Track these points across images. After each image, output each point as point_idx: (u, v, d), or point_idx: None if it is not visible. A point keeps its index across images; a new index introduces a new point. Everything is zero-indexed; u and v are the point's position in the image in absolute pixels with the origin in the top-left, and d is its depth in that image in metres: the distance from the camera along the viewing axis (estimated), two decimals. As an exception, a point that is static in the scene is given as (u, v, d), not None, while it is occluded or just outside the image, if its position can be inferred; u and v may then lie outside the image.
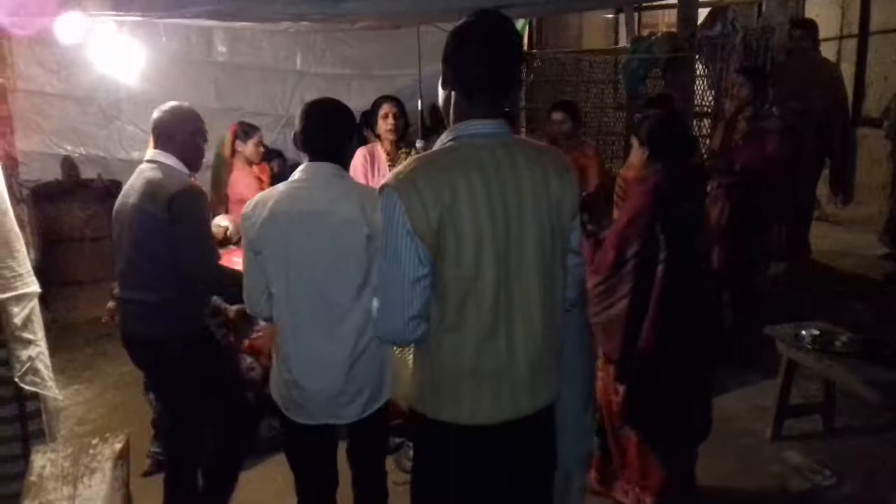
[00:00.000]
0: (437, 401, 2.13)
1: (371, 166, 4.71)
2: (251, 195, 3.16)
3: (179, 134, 3.24)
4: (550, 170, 2.08)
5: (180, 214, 3.05)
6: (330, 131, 2.74)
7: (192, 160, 3.32)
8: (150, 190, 3.11)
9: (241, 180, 5.17)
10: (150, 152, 3.28)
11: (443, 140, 2.08)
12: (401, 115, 4.74)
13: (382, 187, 2.00)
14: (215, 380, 3.35)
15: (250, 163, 5.34)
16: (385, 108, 4.71)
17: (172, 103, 3.31)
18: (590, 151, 5.22)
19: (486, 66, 2.02)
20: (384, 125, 4.71)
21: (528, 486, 2.29)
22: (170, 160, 3.21)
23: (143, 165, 3.24)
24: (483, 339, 2.04)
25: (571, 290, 2.28)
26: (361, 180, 4.65)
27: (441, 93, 2.13)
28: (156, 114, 3.27)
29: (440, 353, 2.09)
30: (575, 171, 2.19)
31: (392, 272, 2.00)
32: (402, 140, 4.81)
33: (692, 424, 3.29)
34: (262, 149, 5.37)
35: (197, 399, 3.33)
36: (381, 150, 4.77)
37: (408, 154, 4.74)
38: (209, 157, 4.69)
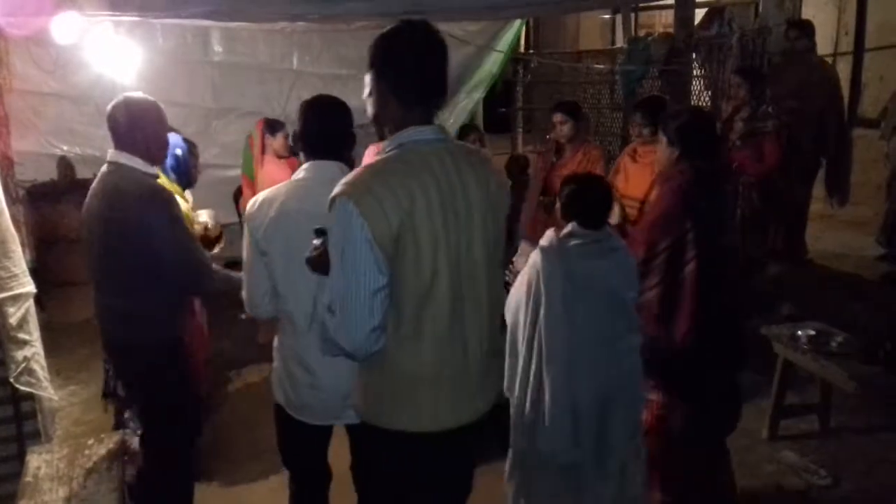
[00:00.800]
0: (394, 410, 2.12)
1: None
2: None
3: (139, 132, 3.06)
4: (489, 174, 2.13)
5: (149, 221, 2.92)
6: (330, 128, 2.72)
7: (156, 153, 3.17)
8: (115, 197, 2.97)
9: (277, 173, 5.17)
10: (111, 153, 3.10)
11: (386, 148, 2.09)
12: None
13: (334, 197, 1.97)
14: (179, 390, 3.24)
15: (280, 156, 5.40)
16: None
17: (126, 97, 3.12)
18: (595, 153, 5.17)
19: (421, 75, 2.06)
20: None
21: (466, 481, 2.39)
22: (132, 160, 3.05)
23: (104, 168, 3.09)
24: (440, 345, 2.06)
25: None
26: None
27: (370, 102, 2.17)
28: (109, 109, 3.08)
29: (398, 362, 2.08)
30: (503, 174, 2.25)
31: (351, 284, 1.97)
32: None
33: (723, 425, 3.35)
34: (290, 143, 5.42)
35: (168, 406, 3.20)
36: None
37: None
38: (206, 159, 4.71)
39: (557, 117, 5.17)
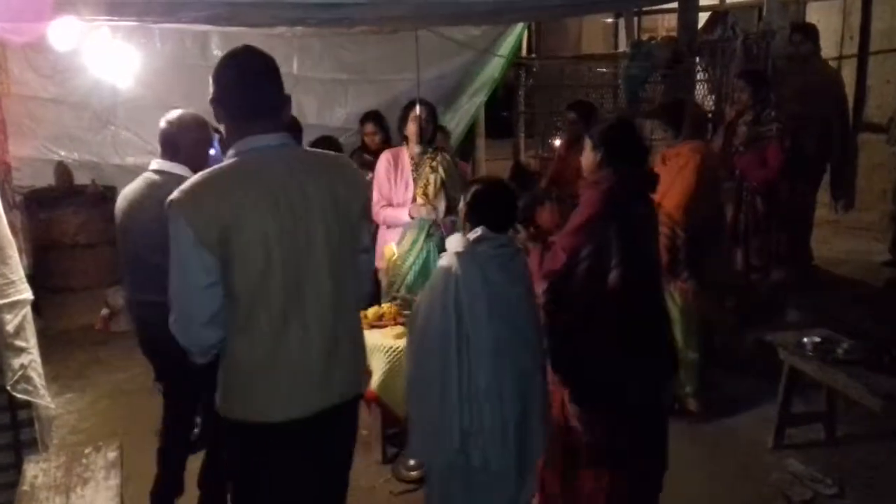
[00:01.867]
0: (243, 401, 2.27)
1: (394, 169, 4.70)
2: None
3: (183, 144, 3.27)
4: (337, 176, 2.32)
5: None
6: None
7: (197, 168, 3.15)
8: (156, 194, 3.00)
9: None
10: (155, 162, 3.30)
11: (228, 155, 2.25)
12: (430, 119, 4.71)
13: (169, 202, 2.14)
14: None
15: None
16: (417, 110, 4.67)
17: (177, 112, 3.34)
18: None
19: (248, 100, 2.23)
20: (414, 127, 4.66)
21: (331, 476, 2.49)
22: (176, 168, 3.23)
23: (147, 174, 3.27)
24: (275, 338, 2.19)
25: (365, 285, 2.58)
26: (384, 184, 4.69)
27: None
28: (162, 124, 3.32)
29: (235, 354, 2.23)
30: (357, 173, 2.48)
31: (181, 283, 2.16)
32: (430, 144, 4.75)
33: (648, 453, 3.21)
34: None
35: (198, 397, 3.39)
36: (405, 154, 4.73)
37: (433, 158, 4.69)
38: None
39: (570, 116, 5.23)
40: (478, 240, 2.98)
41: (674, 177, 4.36)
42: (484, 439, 2.92)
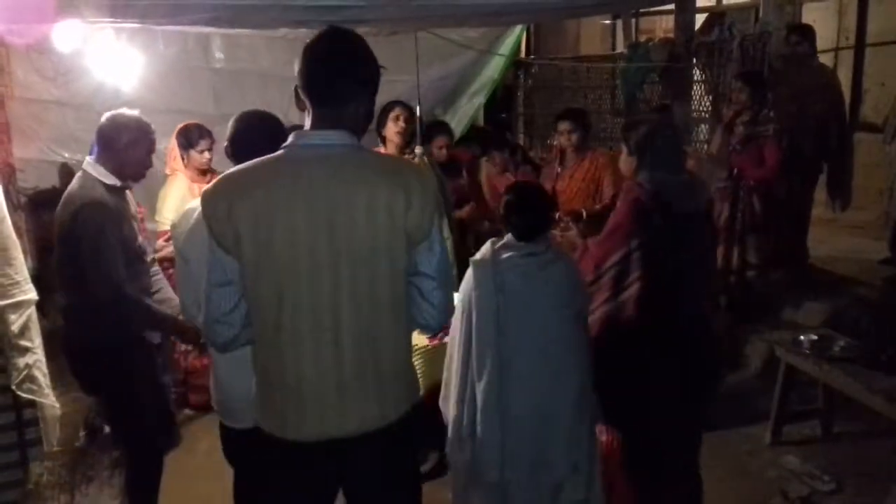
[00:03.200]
0: (261, 413, 2.18)
1: None
2: None
3: (115, 143, 3.23)
4: (395, 188, 2.03)
5: (80, 229, 3.08)
6: (256, 138, 2.64)
7: (130, 171, 3.31)
8: (67, 199, 3.20)
9: None
10: (86, 159, 3.30)
11: (280, 148, 2.10)
12: (411, 120, 4.69)
13: (202, 193, 2.09)
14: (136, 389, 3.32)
15: None
16: (397, 111, 4.66)
17: (118, 111, 3.32)
18: (602, 160, 4.91)
19: (317, 79, 2.08)
20: (394, 128, 4.65)
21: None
22: (96, 170, 3.22)
23: (78, 172, 3.30)
24: (299, 355, 2.05)
25: (428, 315, 2.19)
26: None
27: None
28: (102, 119, 3.29)
29: (259, 366, 2.15)
30: (427, 190, 2.10)
31: (203, 278, 2.11)
32: (409, 146, 4.74)
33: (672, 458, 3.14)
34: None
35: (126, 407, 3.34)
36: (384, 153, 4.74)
37: (412, 158, 4.66)
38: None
39: (564, 126, 4.89)
40: (501, 247, 2.95)
41: None
42: (480, 449, 2.90)
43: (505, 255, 2.92)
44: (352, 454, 2.15)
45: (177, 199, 4.52)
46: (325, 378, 2.06)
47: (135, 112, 3.35)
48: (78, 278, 3.11)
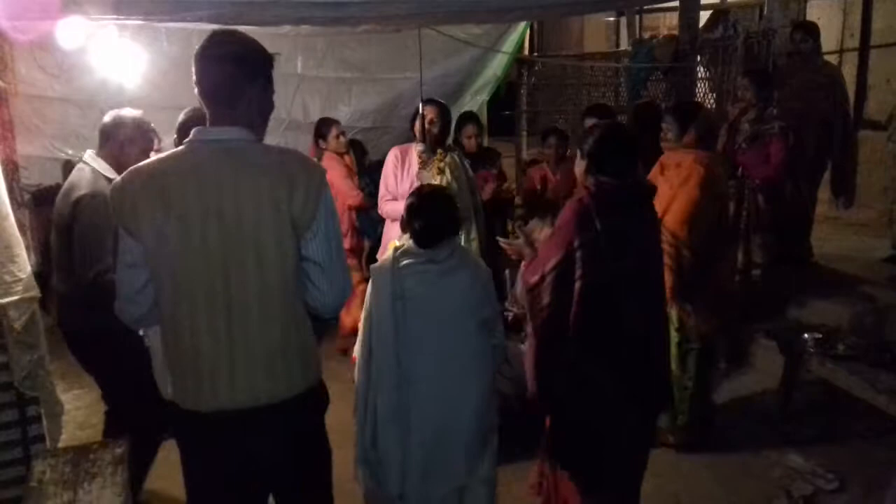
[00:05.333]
0: (173, 385, 2.35)
1: (401, 166, 4.70)
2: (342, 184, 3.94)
3: (113, 140, 3.47)
4: (280, 178, 2.21)
5: (79, 216, 3.30)
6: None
7: (123, 166, 3.29)
8: (68, 189, 3.41)
9: (333, 171, 5.30)
10: (87, 152, 3.51)
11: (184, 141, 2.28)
12: (439, 119, 4.69)
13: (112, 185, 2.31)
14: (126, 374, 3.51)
15: (340, 154, 5.57)
16: (424, 110, 4.69)
17: (119, 111, 3.53)
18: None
19: (207, 82, 2.25)
20: (418, 126, 4.69)
21: (264, 481, 2.43)
22: (97, 163, 3.44)
23: (78, 164, 3.51)
24: (196, 331, 2.22)
25: (316, 300, 2.34)
26: (391, 179, 4.70)
27: None
28: (104, 118, 3.53)
29: (164, 341, 2.33)
30: (313, 181, 2.25)
31: (118, 259, 2.29)
32: (441, 144, 4.72)
33: (609, 468, 3.04)
34: (344, 139, 5.59)
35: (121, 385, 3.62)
36: (413, 153, 4.72)
37: (441, 160, 4.64)
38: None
39: (591, 122, 4.72)
40: (402, 254, 2.91)
41: (675, 190, 4.04)
42: (382, 462, 2.89)
43: (405, 262, 2.89)
44: (251, 429, 2.30)
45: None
46: (217, 354, 2.22)
47: (137, 112, 3.54)
48: (73, 266, 3.34)
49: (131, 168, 2.28)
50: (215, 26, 5.97)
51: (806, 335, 4.14)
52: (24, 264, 3.78)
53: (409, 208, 2.97)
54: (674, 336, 4.05)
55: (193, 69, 2.25)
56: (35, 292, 3.83)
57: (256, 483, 2.44)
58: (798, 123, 5.41)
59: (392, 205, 4.65)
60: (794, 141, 5.19)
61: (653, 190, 3.08)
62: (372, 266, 2.99)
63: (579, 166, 3.04)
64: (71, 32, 4.02)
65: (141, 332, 3.70)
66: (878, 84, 7.87)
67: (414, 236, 2.94)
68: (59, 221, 3.43)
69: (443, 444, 2.89)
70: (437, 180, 4.56)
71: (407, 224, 2.97)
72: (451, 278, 2.89)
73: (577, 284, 2.85)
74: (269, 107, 2.43)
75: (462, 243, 4.39)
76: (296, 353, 2.35)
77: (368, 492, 3.07)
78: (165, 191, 2.17)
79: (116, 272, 2.32)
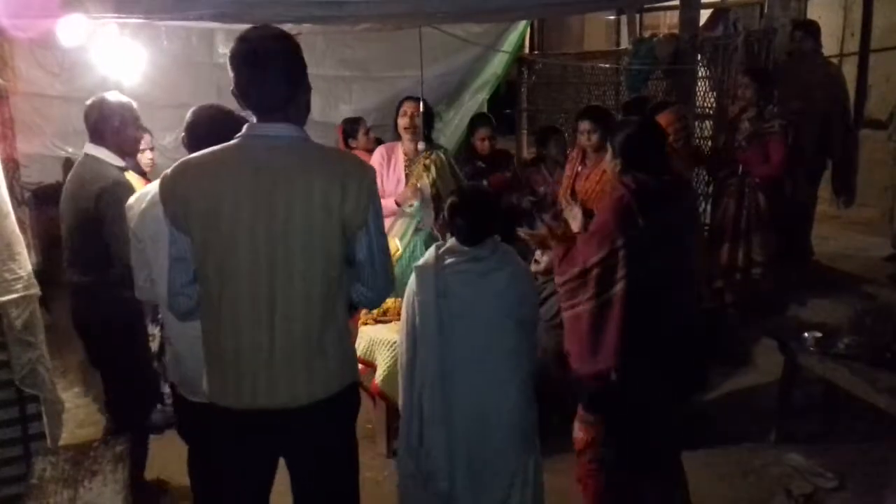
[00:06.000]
0: (207, 381, 2.36)
1: (387, 165, 4.71)
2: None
3: (107, 129, 3.51)
4: (337, 178, 2.21)
5: (105, 211, 3.35)
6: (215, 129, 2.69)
7: (128, 148, 3.66)
8: (80, 184, 3.47)
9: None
10: (86, 145, 3.56)
11: (234, 138, 2.27)
12: (422, 114, 4.67)
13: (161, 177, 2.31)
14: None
15: (369, 151, 5.50)
16: (404, 106, 4.68)
17: (101, 96, 3.55)
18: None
19: (253, 80, 2.21)
20: (402, 122, 4.68)
21: (302, 479, 2.46)
22: (100, 152, 3.51)
23: (80, 159, 3.59)
24: (238, 328, 2.22)
25: (364, 297, 2.42)
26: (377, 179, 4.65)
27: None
28: (85, 107, 3.55)
29: (204, 337, 2.32)
30: (364, 184, 2.26)
31: (160, 252, 2.37)
32: (428, 141, 4.74)
33: (651, 452, 3.14)
34: (372, 135, 5.57)
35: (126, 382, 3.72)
36: (399, 150, 4.75)
37: (427, 157, 4.66)
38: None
39: (585, 125, 4.55)
40: (445, 252, 2.94)
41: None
42: (429, 458, 2.92)
43: (449, 261, 2.92)
44: (284, 427, 2.32)
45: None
46: (257, 352, 2.22)
47: (113, 93, 3.60)
48: (99, 258, 3.40)
49: (182, 160, 2.29)
50: (216, 25, 5.99)
51: (806, 334, 4.13)
52: (25, 262, 3.79)
53: (452, 206, 3.00)
54: None
55: (238, 67, 2.20)
56: (35, 290, 3.84)
57: (272, 478, 2.48)
58: (798, 122, 5.41)
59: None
60: (794, 139, 5.19)
61: (688, 184, 3.10)
62: (415, 265, 3.00)
63: (612, 165, 3.06)
64: (71, 30, 4.01)
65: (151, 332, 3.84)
66: (879, 82, 7.87)
67: (457, 234, 2.97)
68: (79, 215, 3.46)
69: (485, 440, 2.92)
70: (422, 178, 4.61)
71: (449, 222, 3.00)
72: (492, 277, 2.92)
73: (620, 284, 2.88)
74: (309, 107, 2.40)
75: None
76: (335, 354, 2.34)
77: (408, 490, 3.10)
78: (217, 185, 2.18)
79: (167, 266, 2.33)
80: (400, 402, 3.10)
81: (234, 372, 2.25)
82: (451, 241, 2.99)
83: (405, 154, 4.72)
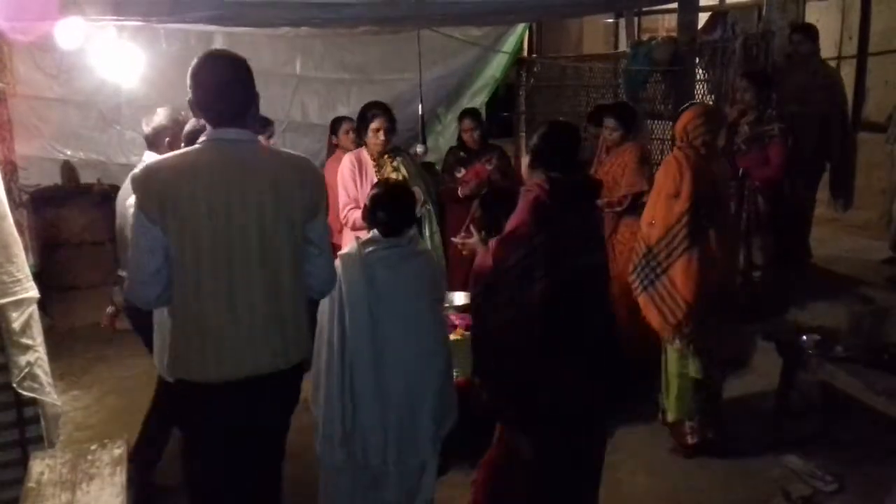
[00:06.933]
0: (184, 361, 2.57)
1: (359, 172, 4.75)
2: None
3: (171, 136, 3.66)
4: (286, 174, 2.58)
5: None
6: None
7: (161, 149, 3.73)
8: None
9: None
10: (146, 153, 3.71)
11: (198, 141, 2.57)
12: (391, 129, 4.76)
13: (132, 176, 2.66)
14: None
15: (348, 150, 5.50)
16: (378, 123, 4.69)
17: (160, 110, 3.79)
18: (627, 156, 4.93)
19: (212, 97, 2.52)
20: (375, 139, 4.72)
21: (265, 440, 2.74)
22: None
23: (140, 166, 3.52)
24: (209, 307, 2.48)
25: (315, 277, 2.72)
26: (350, 185, 4.72)
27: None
28: (156, 119, 3.75)
29: (178, 321, 2.55)
30: (319, 178, 2.77)
31: (134, 245, 2.50)
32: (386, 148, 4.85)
33: (575, 466, 3.13)
34: (352, 135, 5.53)
35: None
36: (366, 156, 4.82)
37: (391, 160, 4.80)
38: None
39: (610, 122, 4.97)
40: (366, 242, 3.10)
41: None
42: (363, 438, 3.04)
43: (370, 249, 3.07)
44: (259, 391, 2.57)
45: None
46: (239, 327, 2.50)
47: (166, 109, 3.79)
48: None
49: (155, 160, 2.63)
50: (214, 28, 6.00)
51: (804, 336, 4.13)
52: (23, 264, 3.79)
53: (375, 199, 3.17)
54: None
55: (200, 82, 2.51)
56: (34, 293, 3.84)
57: (253, 448, 2.69)
58: (797, 125, 5.41)
59: (358, 213, 4.52)
60: (792, 143, 5.20)
61: (599, 184, 3.21)
62: (340, 254, 3.11)
63: (524, 163, 3.13)
64: (70, 33, 4.01)
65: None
66: (877, 85, 7.88)
67: (380, 226, 3.14)
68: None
69: (414, 415, 3.09)
70: (393, 178, 4.74)
71: (370, 215, 3.17)
72: (411, 262, 3.13)
73: (540, 284, 2.86)
74: (257, 117, 2.71)
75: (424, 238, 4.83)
76: (299, 327, 2.68)
77: (333, 482, 3.18)
78: (190, 181, 2.44)
79: (131, 256, 2.53)
80: (321, 395, 3.11)
81: (216, 348, 2.51)
82: (372, 233, 3.15)
83: (372, 159, 4.82)
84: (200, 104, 2.54)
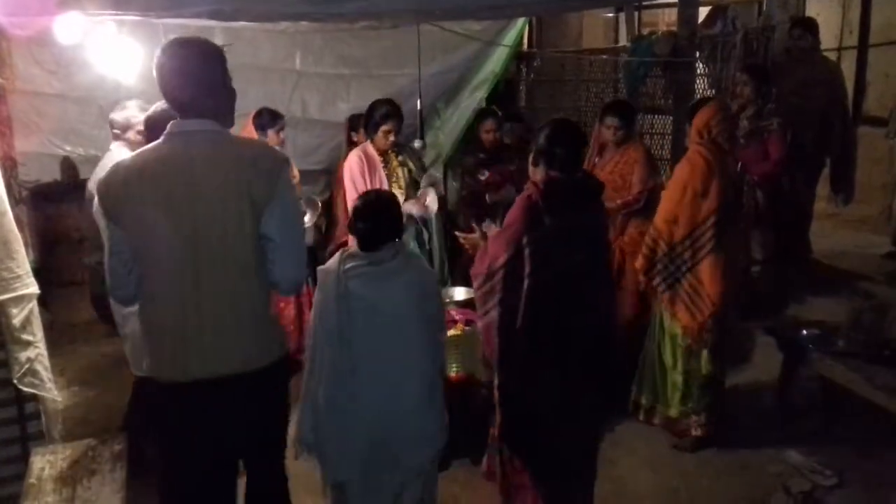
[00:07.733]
0: (147, 359, 2.57)
1: (368, 167, 4.76)
2: None
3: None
4: (247, 164, 2.48)
5: None
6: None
7: None
8: None
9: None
10: (113, 145, 3.83)
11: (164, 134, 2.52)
12: (400, 129, 4.81)
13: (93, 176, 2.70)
14: None
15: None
16: (390, 125, 4.74)
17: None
18: (634, 154, 4.76)
19: (171, 86, 2.49)
20: (384, 140, 4.77)
21: (227, 444, 2.64)
22: None
23: None
24: (171, 305, 2.46)
25: (275, 274, 2.58)
26: (360, 180, 4.70)
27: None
28: (149, 111, 3.70)
29: (141, 317, 2.57)
30: (277, 164, 2.55)
31: (106, 246, 2.52)
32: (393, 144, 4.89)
33: (566, 461, 3.12)
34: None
35: None
36: (373, 151, 4.83)
37: (396, 155, 4.85)
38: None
39: (612, 121, 4.71)
40: (347, 257, 3.00)
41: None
42: (327, 451, 2.98)
43: (349, 265, 2.97)
44: (230, 390, 2.52)
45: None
46: (186, 328, 2.47)
47: (136, 101, 3.85)
48: None
49: (115, 164, 2.54)
50: (213, 22, 5.98)
51: (805, 332, 4.14)
52: (23, 261, 3.79)
53: (354, 211, 3.08)
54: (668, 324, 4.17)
55: (159, 70, 2.49)
56: (34, 289, 3.84)
57: (227, 450, 2.66)
58: (797, 120, 5.41)
59: None
60: (792, 137, 5.19)
61: (601, 185, 3.15)
62: (319, 268, 3.07)
63: (530, 164, 3.09)
64: (69, 28, 4.00)
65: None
66: (877, 80, 7.87)
67: (358, 239, 3.03)
68: None
69: (389, 436, 2.96)
70: (400, 173, 4.86)
71: (352, 226, 3.07)
72: (395, 280, 2.97)
73: (527, 282, 2.87)
74: (233, 96, 2.67)
75: (427, 237, 4.93)
76: (261, 327, 2.59)
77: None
78: (145, 182, 2.42)
79: (105, 259, 2.54)
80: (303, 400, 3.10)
81: (170, 347, 2.50)
82: (353, 247, 3.06)
83: (379, 153, 4.86)
84: (164, 93, 2.52)
